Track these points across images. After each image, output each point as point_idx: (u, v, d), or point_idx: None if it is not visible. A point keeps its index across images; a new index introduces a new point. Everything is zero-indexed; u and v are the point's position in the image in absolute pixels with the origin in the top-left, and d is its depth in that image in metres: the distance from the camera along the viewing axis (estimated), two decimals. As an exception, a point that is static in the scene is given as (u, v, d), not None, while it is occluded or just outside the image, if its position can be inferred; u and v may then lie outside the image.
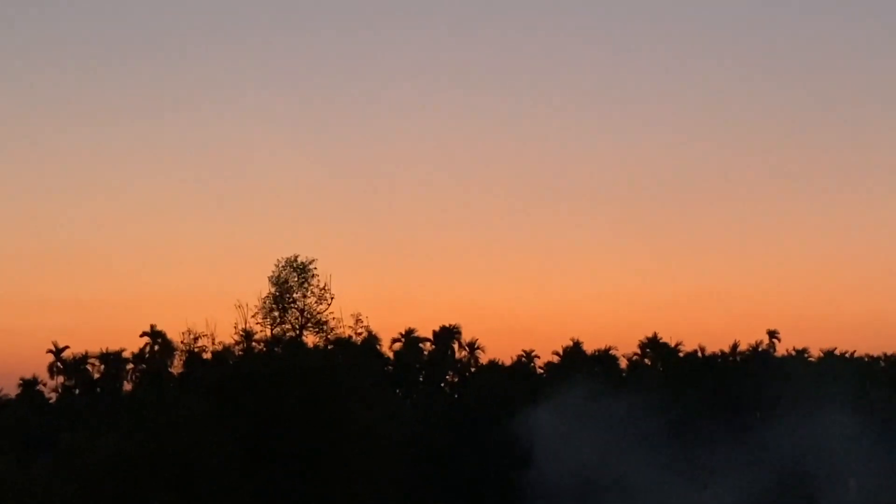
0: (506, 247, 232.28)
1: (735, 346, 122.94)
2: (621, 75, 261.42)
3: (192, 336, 60.48)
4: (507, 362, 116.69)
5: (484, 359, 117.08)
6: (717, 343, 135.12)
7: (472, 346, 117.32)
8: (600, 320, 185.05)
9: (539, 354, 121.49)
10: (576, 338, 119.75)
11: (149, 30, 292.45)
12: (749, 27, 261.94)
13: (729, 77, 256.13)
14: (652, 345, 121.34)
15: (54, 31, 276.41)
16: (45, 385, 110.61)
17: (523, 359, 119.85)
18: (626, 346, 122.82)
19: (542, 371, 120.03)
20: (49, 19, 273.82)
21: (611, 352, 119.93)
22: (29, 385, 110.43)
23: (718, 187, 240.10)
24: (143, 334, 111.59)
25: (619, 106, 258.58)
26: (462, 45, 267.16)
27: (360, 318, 61.21)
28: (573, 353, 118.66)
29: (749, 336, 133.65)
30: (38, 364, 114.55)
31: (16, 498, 57.79)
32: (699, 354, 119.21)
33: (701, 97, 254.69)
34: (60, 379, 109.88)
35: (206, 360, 68.70)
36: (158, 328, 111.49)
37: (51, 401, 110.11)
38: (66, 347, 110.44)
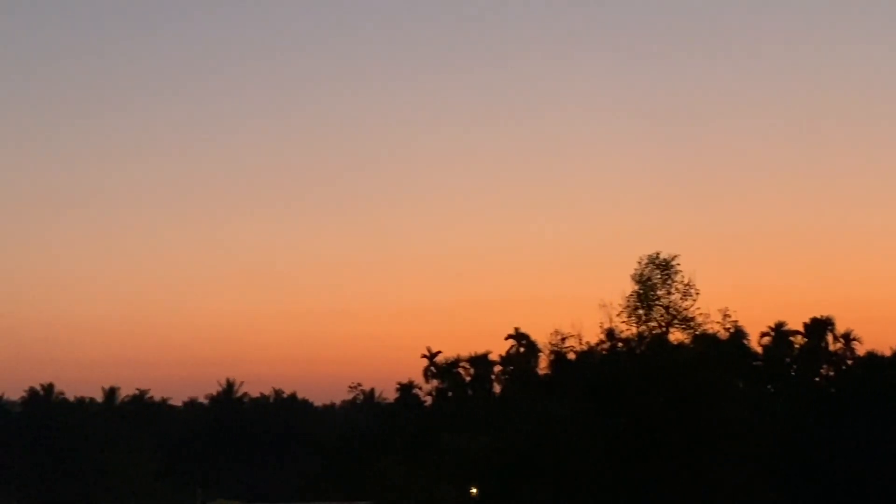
0: (872, 234, 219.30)
1: None
2: None
3: (559, 337, 61.16)
4: (888, 353, 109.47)
5: (861, 350, 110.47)
6: None
7: (848, 338, 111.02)
8: None
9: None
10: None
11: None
12: None
13: None
14: None
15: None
16: (420, 389, 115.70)
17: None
18: None
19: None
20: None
21: None
22: (406, 389, 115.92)
23: None
24: (509, 337, 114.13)
25: None
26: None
27: (728, 312, 59.72)
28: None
29: None
30: (413, 368, 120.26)
31: (400, 494, 60.75)
32: None
33: None
34: (434, 382, 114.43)
35: (571, 360, 69.18)
36: (522, 330, 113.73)
37: (426, 403, 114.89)
38: (439, 352, 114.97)
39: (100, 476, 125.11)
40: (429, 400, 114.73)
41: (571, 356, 67.65)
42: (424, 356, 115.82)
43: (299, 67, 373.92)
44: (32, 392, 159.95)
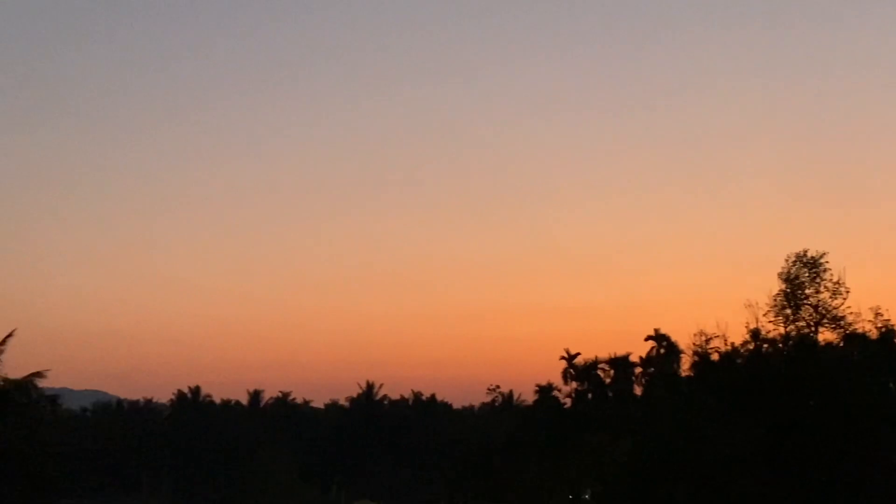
0: None
1: None
2: None
3: (703, 338, 59.65)
4: None
5: None
6: None
7: None
8: None
9: None
10: None
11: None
12: None
13: None
14: None
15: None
16: (559, 391, 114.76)
17: None
18: None
19: None
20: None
21: None
22: (544, 391, 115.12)
23: None
24: (648, 338, 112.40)
25: None
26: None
27: (880, 311, 57.63)
28: None
29: None
30: (552, 370, 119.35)
31: (541, 495, 60.32)
32: None
33: None
34: (574, 384, 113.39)
35: (714, 361, 67.53)
36: (662, 331, 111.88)
37: (565, 405, 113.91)
38: (578, 354, 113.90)
39: (244, 477, 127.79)
40: (568, 402, 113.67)
41: (715, 357, 66.00)
42: (563, 358, 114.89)
43: (443, 69, 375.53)
44: (180, 395, 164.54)
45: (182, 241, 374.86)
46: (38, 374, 49.50)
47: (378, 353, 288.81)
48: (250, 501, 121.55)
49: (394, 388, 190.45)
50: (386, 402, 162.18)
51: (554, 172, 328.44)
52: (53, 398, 62.58)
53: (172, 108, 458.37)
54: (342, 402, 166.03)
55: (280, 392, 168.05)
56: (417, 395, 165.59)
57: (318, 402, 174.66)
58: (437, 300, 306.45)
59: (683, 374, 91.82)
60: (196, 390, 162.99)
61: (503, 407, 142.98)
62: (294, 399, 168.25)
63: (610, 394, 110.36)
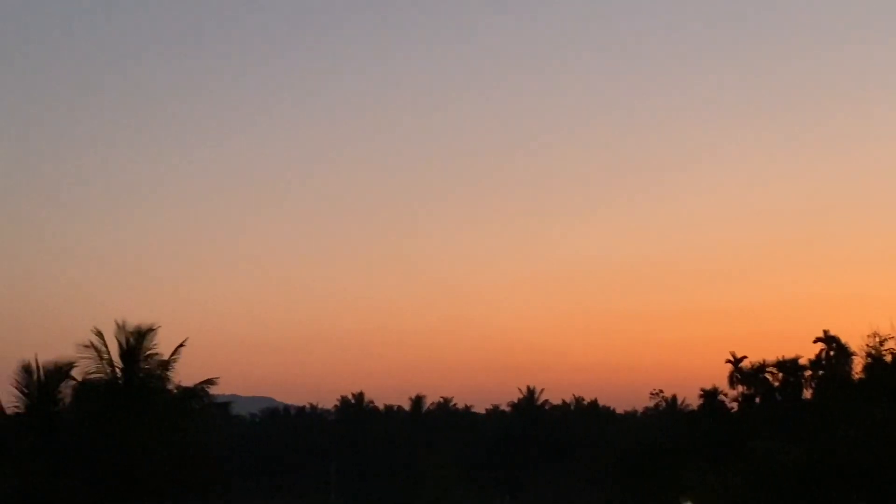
0: None
1: None
2: None
3: (877, 339, 57.39)
4: None
5: None
6: None
7: None
8: None
9: None
10: None
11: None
12: None
13: None
14: None
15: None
16: (725, 395, 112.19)
17: None
18: None
19: None
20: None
21: None
22: (710, 395, 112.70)
23: None
24: (817, 340, 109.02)
25: None
26: None
27: None
28: None
29: None
30: (717, 374, 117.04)
31: (707, 502, 58.94)
32: None
33: None
34: (740, 388, 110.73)
35: (889, 363, 64.96)
36: (831, 333, 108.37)
37: (732, 410, 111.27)
38: (744, 357, 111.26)
39: (408, 482, 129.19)
40: (734, 406, 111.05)
41: (888, 358, 63.46)
42: (729, 361, 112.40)
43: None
44: (344, 401, 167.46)
45: (343, 249, 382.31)
46: (210, 382, 51.01)
47: (539, 359, 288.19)
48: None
49: (555, 392, 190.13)
50: (547, 408, 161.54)
51: (716, 172, 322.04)
52: (224, 405, 64.47)
53: (347, 121, 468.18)
54: (503, 407, 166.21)
55: (441, 397, 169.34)
56: (579, 400, 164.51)
57: (479, 408, 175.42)
58: (597, 303, 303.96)
59: (855, 376, 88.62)
60: (360, 396, 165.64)
61: (667, 411, 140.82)
62: (455, 405, 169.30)
63: (779, 397, 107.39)
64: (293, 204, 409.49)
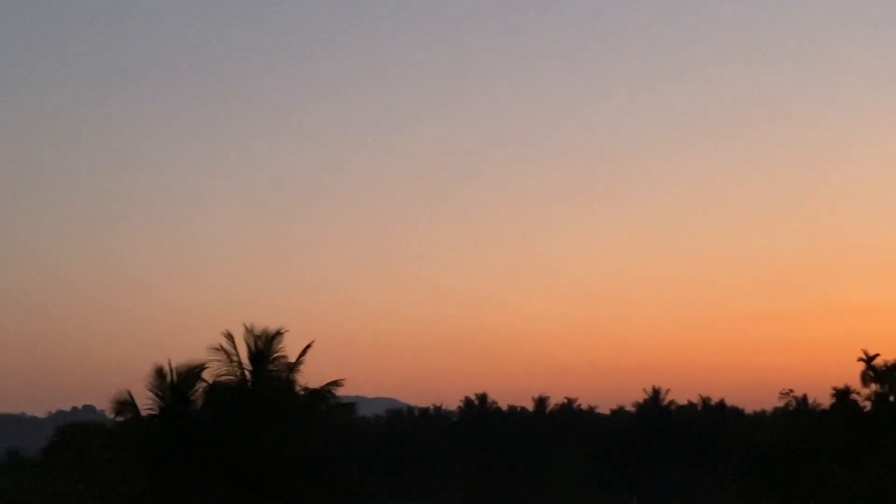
0: None
1: None
2: None
3: None
4: None
5: None
6: None
7: None
8: None
9: None
10: None
11: None
12: None
13: None
14: None
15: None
16: (858, 394, 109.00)
17: None
18: None
19: None
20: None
21: None
22: (842, 394, 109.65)
23: None
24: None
25: None
26: None
27: None
28: None
29: None
30: (850, 372, 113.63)
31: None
32: None
33: None
34: (873, 387, 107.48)
35: None
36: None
37: (865, 409, 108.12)
38: (877, 355, 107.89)
39: (533, 483, 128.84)
40: (867, 405, 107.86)
41: None
42: (861, 359, 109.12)
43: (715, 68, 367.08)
44: (468, 402, 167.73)
45: (465, 250, 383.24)
46: (335, 384, 51.66)
47: (664, 359, 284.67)
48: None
49: (681, 393, 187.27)
50: (673, 408, 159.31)
51: (846, 168, 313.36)
52: (350, 406, 65.18)
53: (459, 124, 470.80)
54: (628, 407, 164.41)
55: (565, 398, 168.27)
56: (706, 400, 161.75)
57: (604, 409, 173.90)
58: (725, 303, 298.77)
59: None
60: (483, 397, 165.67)
61: (797, 411, 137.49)
62: (580, 405, 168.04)
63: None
64: (403, 202, 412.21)
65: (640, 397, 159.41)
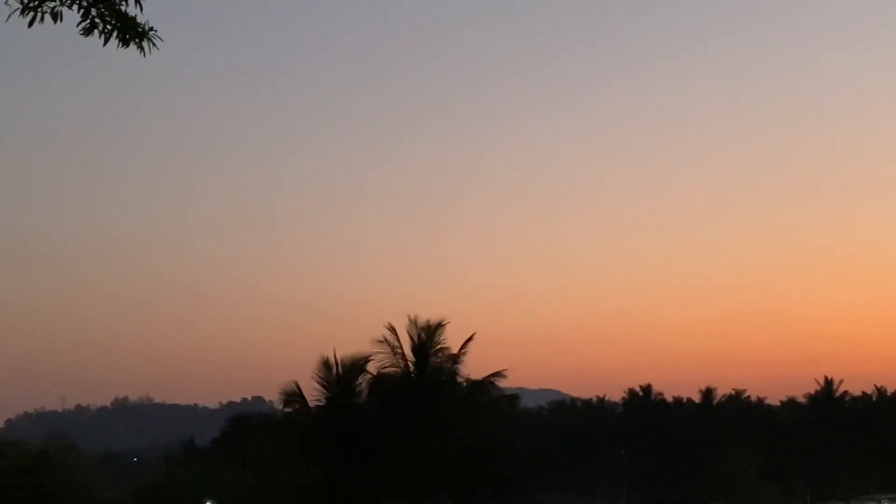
0: None
1: None
2: None
3: None
4: None
5: None
6: None
7: None
8: None
9: None
10: None
11: None
12: None
13: None
14: None
15: None
16: None
17: None
18: None
19: None
20: None
21: None
22: None
23: None
24: None
25: None
26: None
27: None
28: None
29: None
30: None
31: None
32: None
33: None
34: None
35: None
36: None
37: None
38: None
39: (701, 476, 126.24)
40: None
41: None
42: None
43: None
44: (632, 393, 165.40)
45: (630, 241, 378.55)
46: (498, 375, 51.46)
47: (838, 349, 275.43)
48: (710, 501, 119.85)
49: (856, 383, 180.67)
50: (847, 399, 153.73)
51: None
52: (513, 397, 64.89)
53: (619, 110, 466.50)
54: (799, 398, 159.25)
55: (733, 389, 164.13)
56: (881, 391, 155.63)
57: (773, 399, 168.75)
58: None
59: None
60: (647, 388, 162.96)
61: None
62: (748, 396, 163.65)
63: None
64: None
65: (812, 388, 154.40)
